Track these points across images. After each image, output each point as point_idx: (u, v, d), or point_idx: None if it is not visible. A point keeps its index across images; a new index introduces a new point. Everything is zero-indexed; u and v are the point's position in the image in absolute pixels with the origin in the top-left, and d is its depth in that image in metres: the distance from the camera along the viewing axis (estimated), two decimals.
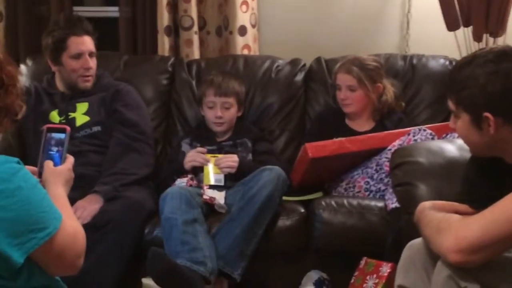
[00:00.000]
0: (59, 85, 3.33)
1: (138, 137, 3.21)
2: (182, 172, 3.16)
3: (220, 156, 3.15)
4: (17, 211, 1.59)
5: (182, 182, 3.10)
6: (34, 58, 3.64)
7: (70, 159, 1.97)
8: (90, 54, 3.26)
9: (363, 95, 3.30)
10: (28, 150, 3.26)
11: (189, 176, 3.13)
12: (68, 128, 2.00)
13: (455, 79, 1.94)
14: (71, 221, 1.73)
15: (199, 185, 3.10)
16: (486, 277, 1.78)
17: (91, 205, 2.89)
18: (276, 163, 3.10)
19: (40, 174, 1.89)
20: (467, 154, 2.10)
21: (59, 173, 1.91)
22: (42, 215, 1.63)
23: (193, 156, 3.16)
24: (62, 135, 1.98)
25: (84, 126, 3.23)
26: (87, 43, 3.26)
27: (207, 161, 3.13)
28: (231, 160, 3.12)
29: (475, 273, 1.78)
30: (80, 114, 3.25)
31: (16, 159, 1.65)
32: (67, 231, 1.69)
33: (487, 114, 1.86)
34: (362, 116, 3.37)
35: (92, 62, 3.28)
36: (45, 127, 2.03)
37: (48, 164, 1.92)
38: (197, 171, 3.17)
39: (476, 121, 1.90)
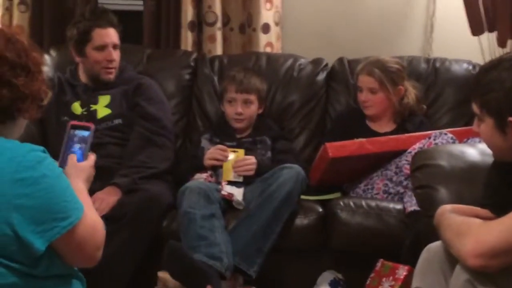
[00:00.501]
0: (82, 76, 3.35)
1: (158, 131, 3.22)
2: (201, 168, 3.16)
3: (240, 151, 3.14)
4: (40, 199, 1.60)
5: (201, 177, 3.11)
6: (59, 49, 3.66)
7: (92, 157, 2.01)
8: (114, 47, 3.27)
9: (384, 98, 3.29)
10: (50, 139, 3.27)
11: (209, 172, 3.14)
12: (92, 126, 2.02)
13: (480, 82, 1.93)
14: (91, 214, 1.75)
15: (218, 181, 3.10)
16: (505, 283, 1.77)
17: (110, 197, 2.90)
18: (294, 162, 3.09)
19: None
20: (489, 159, 2.09)
21: (81, 168, 1.94)
22: (65, 204, 1.64)
23: (213, 153, 3.16)
24: (86, 133, 2.00)
25: (106, 118, 3.24)
26: (111, 35, 3.27)
27: (227, 157, 3.12)
28: (250, 163, 3.10)
29: (493, 278, 1.77)
30: (102, 107, 3.26)
31: (42, 148, 1.66)
32: (88, 222, 1.70)
33: (511, 118, 1.85)
34: (383, 118, 3.36)
35: (116, 55, 3.29)
36: (69, 123, 2.04)
37: (72, 158, 1.95)
38: (216, 167, 3.17)
39: (500, 125, 1.88)
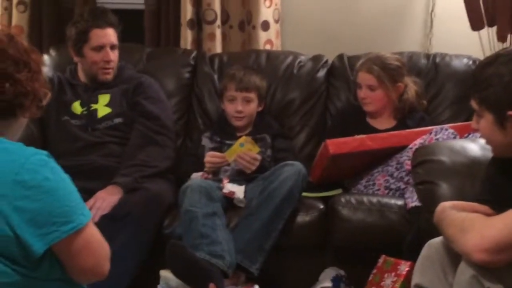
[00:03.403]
0: (81, 76, 3.35)
1: (159, 130, 3.22)
2: (202, 166, 3.17)
3: (251, 143, 3.13)
4: (41, 202, 1.59)
5: (197, 176, 3.12)
6: (58, 49, 3.65)
7: None
8: (112, 47, 3.27)
9: (383, 95, 3.29)
10: (49, 139, 3.28)
11: (205, 169, 3.14)
12: None
13: (478, 78, 1.93)
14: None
15: (218, 178, 3.10)
16: (510, 278, 1.77)
17: (111, 196, 2.90)
18: (294, 161, 3.08)
19: None
20: (490, 154, 2.09)
21: None
22: (67, 209, 1.63)
23: (208, 161, 3.15)
24: None
25: (106, 117, 3.25)
26: (109, 35, 3.27)
27: (225, 159, 3.12)
28: (253, 159, 3.08)
29: (499, 274, 1.77)
30: (102, 106, 3.26)
31: (46, 152, 1.66)
32: (94, 231, 1.70)
33: (511, 113, 1.84)
34: (383, 115, 3.36)
35: (113, 55, 3.29)
36: None
37: None
38: (218, 171, 3.18)
39: (499, 120, 1.89)
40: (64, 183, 1.66)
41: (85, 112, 3.24)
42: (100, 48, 3.24)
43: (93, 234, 1.70)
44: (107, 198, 2.88)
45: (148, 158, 3.10)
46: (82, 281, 1.75)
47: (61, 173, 1.67)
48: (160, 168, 3.12)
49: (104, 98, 3.28)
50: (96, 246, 1.70)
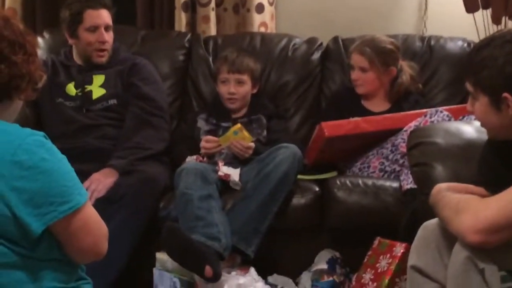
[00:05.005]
0: (76, 59, 3.33)
1: (154, 112, 3.21)
2: (198, 149, 3.17)
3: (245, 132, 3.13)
4: (38, 182, 1.60)
5: (192, 159, 3.12)
6: (51, 31, 3.64)
7: None
8: (106, 28, 3.26)
9: (374, 77, 3.29)
10: (44, 121, 3.27)
11: (200, 152, 3.15)
12: None
13: (473, 60, 1.93)
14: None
15: (213, 161, 3.11)
16: (504, 259, 1.78)
17: (106, 178, 2.90)
18: (289, 142, 3.08)
19: None
20: (485, 136, 2.09)
21: None
22: (64, 189, 1.63)
23: (204, 147, 3.15)
24: None
25: (101, 99, 3.24)
26: (103, 16, 3.26)
27: (219, 143, 3.12)
28: (246, 148, 3.09)
29: (493, 255, 1.78)
30: (97, 87, 3.25)
31: (43, 133, 1.66)
32: (92, 211, 1.71)
33: (506, 94, 1.85)
34: (377, 97, 3.36)
35: (108, 36, 3.27)
36: None
37: None
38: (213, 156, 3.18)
39: (494, 102, 1.89)
40: (60, 163, 1.66)
41: (79, 94, 3.23)
42: (94, 28, 3.23)
43: (91, 214, 1.71)
44: (103, 181, 2.88)
45: (143, 140, 3.10)
46: (81, 261, 1.77)
47: (58, 154, 1.67)
48: (155, 150, 3.12)
49: (98, 79, 3.27)
50: (94, 226, 1.71)
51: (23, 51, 1.69)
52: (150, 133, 3.15)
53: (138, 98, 3.23)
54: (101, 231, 1.74)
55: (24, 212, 1.59)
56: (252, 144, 3.11)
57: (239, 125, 3.12)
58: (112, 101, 3.24)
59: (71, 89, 3.26)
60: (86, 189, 2.70)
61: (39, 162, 1.60)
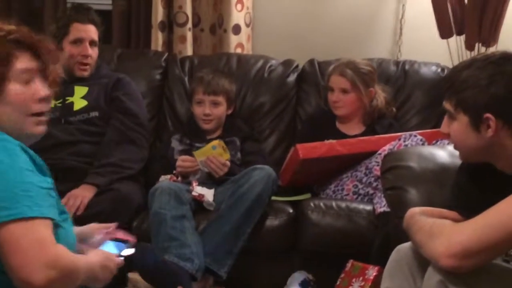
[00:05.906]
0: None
1: (135, 128, 3.20)
2: (172, 168, 3.16)
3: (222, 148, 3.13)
4: None
5: (166, 178, 3.11)
6: None
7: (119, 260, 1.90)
8: (91, 43, 3.26)
9: (355, 98, 3.31)
10: None
11: (174, 172, 3.14)
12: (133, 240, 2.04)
13: (455, 80, 1.93)
14: (68, 252, 1.58)
15: (187, 181, 3.10)
16: (477, 283, 1.79)
17: (85, 194, 2.88)
18: (263, 163, 3.09)
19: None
20: (458, 161, 2.10)
21: (110, 257, 1.84)
22: (10, 195, 1.52)
23: (180, 166, 3.15)
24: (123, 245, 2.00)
25: (82, 110, 3.20)
26: (90, 31, 3.26)
27: (195, 163, 3.12)
28: (222, 165, 3.09)
29: (466, 279, 1.79)
30: (78, 98, 3.22)
31: (18, 142, 1.62)
32: (37, 232, 1.52)
33: (488, 115, 1.85)
34: (353, 120, 3.38)
35: (92, 51, 3.27)
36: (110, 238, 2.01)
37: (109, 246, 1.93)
38: (188, 175, 3.17)
39: (475, 122, 1.89)
40: (21, 171, 1.57)
41: (59, 105, 3.19)
42: (80, 41, 3.23)
43: (34, 233, 1.51)
44: (81, 197, 2.86)
45: (124, 158, 3.08)
46: (14, 281, 1.51)
47: (23, 163, 1.59)
48: (135, 170, 3.12)
49: (81, 90, 3.24)
50: (28, 247, 1.49)
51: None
52: (131, 150, 3.14)
53: (121, 112, 3.22)
54: (40, 258, 1.49)
55: None
56: (228, 162, 3.10)
57: (218, 141, 3.12)
58: (94, 114, 3.21)
59: None
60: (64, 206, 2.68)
61: None
